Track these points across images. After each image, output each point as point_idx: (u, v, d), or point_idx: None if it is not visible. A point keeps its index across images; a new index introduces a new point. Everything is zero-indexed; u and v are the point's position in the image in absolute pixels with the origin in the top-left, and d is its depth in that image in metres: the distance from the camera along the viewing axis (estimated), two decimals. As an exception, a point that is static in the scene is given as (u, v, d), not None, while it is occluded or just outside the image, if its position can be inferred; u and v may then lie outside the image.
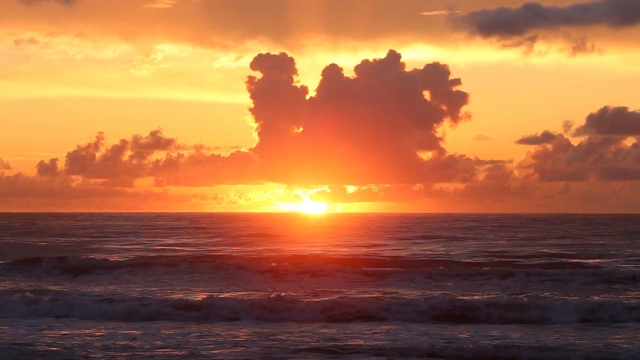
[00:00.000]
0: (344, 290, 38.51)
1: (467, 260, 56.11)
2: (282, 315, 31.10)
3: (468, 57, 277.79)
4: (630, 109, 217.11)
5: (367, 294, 36.77)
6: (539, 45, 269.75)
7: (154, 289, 39.69)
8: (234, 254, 60.69)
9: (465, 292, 37.95)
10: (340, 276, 44.68)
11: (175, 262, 50.16)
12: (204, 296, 34.78)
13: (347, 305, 31.92)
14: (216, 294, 36.06)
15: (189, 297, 35.25)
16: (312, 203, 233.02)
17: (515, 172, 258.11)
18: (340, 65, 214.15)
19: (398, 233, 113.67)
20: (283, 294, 34.69)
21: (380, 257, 57.67)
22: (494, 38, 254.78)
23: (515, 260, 56.35)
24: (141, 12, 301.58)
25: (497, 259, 57.03)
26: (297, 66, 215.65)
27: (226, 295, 35.85)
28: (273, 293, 35.07)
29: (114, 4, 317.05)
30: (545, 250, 70.47)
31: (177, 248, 74.36)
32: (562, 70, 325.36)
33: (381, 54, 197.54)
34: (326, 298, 33.97)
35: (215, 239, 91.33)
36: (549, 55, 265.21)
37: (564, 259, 57.36)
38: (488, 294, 36.76)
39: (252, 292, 37.26)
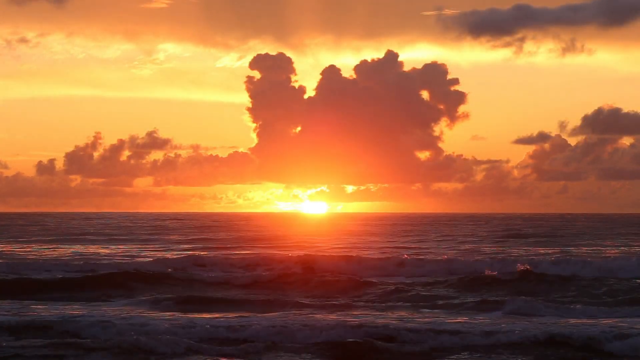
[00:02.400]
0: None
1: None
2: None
3: (468, 57, 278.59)
4: (625, 110, 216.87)
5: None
6: (537, 46, 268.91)
7: None
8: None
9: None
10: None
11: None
12: None
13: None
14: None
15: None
16: (311, 203, 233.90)
17: (514, 172, 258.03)
18: (343, 64, 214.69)
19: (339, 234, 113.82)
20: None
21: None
22: (494, 38, 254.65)
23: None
24: (143, 12, 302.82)
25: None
26: (300, 66, 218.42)
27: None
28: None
29: (116, 4, 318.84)
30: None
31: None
32: (560, 70, 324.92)
33: (383, 53, 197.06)
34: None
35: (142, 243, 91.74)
36: (547, 55, 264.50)
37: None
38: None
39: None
